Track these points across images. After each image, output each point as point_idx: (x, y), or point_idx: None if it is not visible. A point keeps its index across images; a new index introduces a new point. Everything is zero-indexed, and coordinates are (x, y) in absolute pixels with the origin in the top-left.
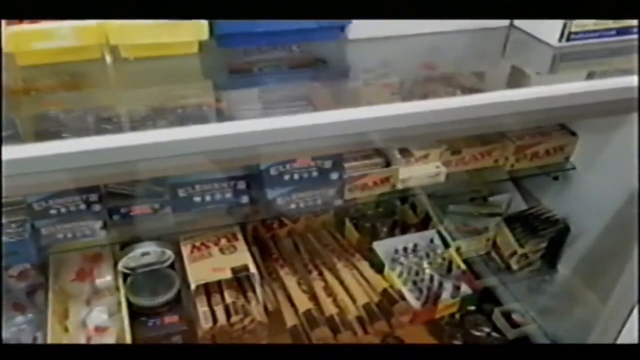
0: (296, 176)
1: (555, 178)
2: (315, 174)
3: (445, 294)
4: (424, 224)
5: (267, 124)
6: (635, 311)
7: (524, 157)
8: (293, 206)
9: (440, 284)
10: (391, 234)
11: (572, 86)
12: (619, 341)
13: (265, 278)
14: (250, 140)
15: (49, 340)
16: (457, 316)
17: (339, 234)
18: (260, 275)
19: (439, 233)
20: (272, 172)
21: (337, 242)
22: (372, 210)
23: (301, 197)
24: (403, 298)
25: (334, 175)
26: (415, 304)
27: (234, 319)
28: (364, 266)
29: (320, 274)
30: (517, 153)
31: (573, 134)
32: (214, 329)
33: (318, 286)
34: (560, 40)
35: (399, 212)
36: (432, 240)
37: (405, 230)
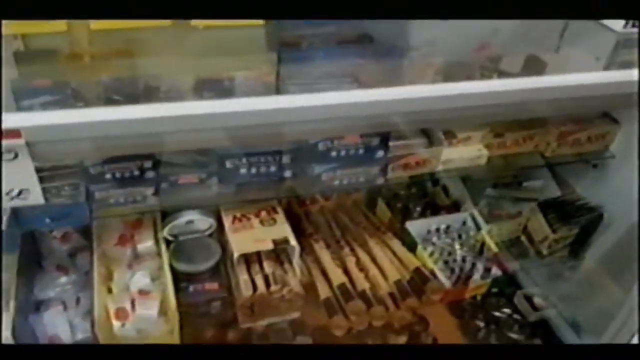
0: (343, 152)
1: (595, 166)
2: (361, 151)
3: (476, 275)
4: (455, 206)
5: (312, 99)
6: None
7: (566, 143)
8: (336, 182)
9: (473, 265)
10: (423, 214)
11: (618, 74)
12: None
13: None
14: (294, 116)
15: (95, 301)
16: (479, 297)
17: (371, 213)
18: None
19: (472, 216)
20: (321, 147)
21: (368, 221)
22: (404, 190)
23: (345, 173)
24: (435, 277)
25: (379, 154)
26: (446, 283)
27: (273, 288)
28: (396, 244)
29: (352, 250)
30: (560, 139)
31: (615, 121)
32: (254, 296)
33: (350, 262)
34: (625, 27)
35: (430, 193)
36: (464, 223)
37: (436, 211)
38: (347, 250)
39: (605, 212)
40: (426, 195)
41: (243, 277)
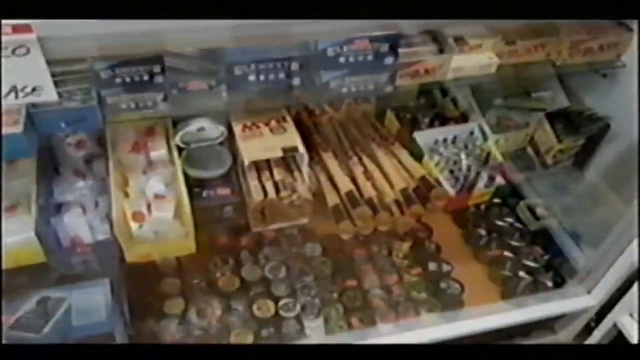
0: (351, 59)
1: (604, 75)
2: (370, 57)
3: (480, 184)
4: (464, 117)
5: None
6: None
7: (578, 52)
8: (345, 90)
9: (477, 174)
10: (431, 125)
11: None
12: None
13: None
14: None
15: (113, 204)
16: (483, 207)
17: (379, 124)
18: None
19: (480, 126)
20: (329, 52)
21: (376, 131)
22: (413, 101)
23: (354, 81)
24: (440, 185)
25: (389, 60)
26: (450, 191)
27: (282, 194)
28: (403, 154)
29: (360, 159)
30: (572, 47)
31: (629, 29)
32: (264, 201)
33: (357, 171)
34: None
35: (439, 104)
36: (472, 133)
37: (444, 123)
38: (355, 159)
39: (612, 123)
40: (435, 106)
41: (254, 183)
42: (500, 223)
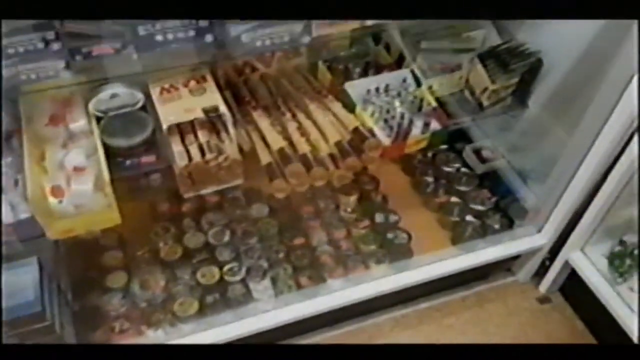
0: None
1: None
2: None
3: (415, 130)
4: (398, 64)
5: None
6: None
7: None
8: (259, 43)
9: (410, 121)
10: (365, 75)
11: None
12: (584, 164)
13: (239, 120)
14: None
15: (28, 180)
16: (430, 154)
17: (313, 77)
18: (234, 118)
19: (412, 72)
20: None
21: (310, 85)
22: (345, 51)
23: (266, 33)
24: (373, 135)
25: None
26: (385, 140)
27: (208, 156)
28: (337, 107)
29: (294, 115)
30: None
31: None
32: (190, 166)
33: (291, 127)
34: None
35: (372, 53)
36: (404, 80)
37: (379, 71)
38: (288, 115)
39: (545, 57)
40: (367, 54)
41: (177, 148)
42: (447, 169)
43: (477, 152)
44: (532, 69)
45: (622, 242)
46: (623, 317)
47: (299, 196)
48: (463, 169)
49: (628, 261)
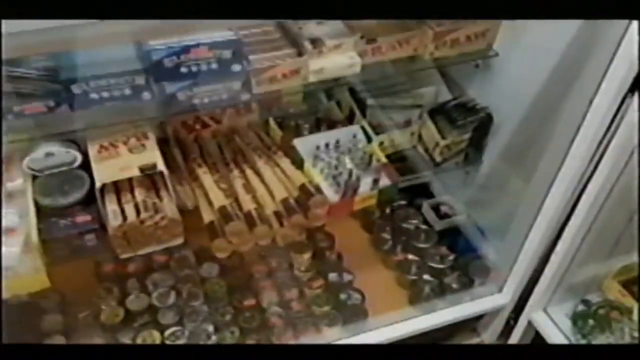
0: (194, 68)
1: (476, 66)
2: (214, 65)
3: (364, 187)
4: (350, 120)
5: None
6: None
7: (444, 44)
8: (197, 101)
9: (358, 178)
10: (317, 130)
11: None
12: (540, 216)
13: (185, 177)
14: None
15: None
16: (388, 210)
17: (264, 133)
18: (179, 175)
19: (362, 128)
20: (167, 63)
21: (261, 141)
22: (296, 107)
23: (204, 90)
24: (320, 192)
25: (236, 67)
26: (333, 197)
27: (143, 215)
28: (286, 163)
29: (242, 172)
30: (436, 40)
31: None
32: (124, 226)
33: (238, 184)
34: None
35: (324, 109)
36: (355, 136)
37: (331, 127)
38: (236, 172)
39: (495, 113)
40: (318, 110)
41: (112, 207)
42: (405, 225)
43: (436, 207)
44: (482, 125)
45: (585, 302)
46: None
47: (251, 254)
48: (422, 226)
49: (591, 322)
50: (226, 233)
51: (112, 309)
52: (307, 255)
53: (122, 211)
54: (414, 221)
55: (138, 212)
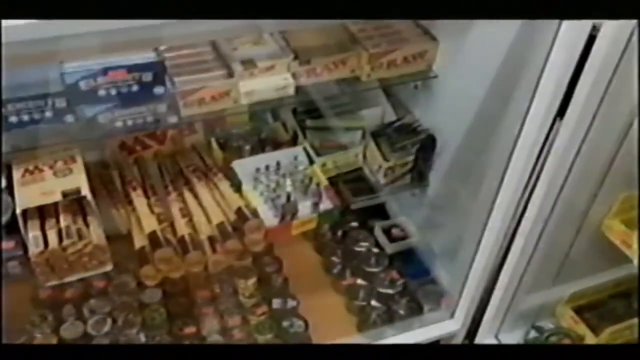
0: (113, 91)
1: (415, 87)
2: (135, 88)
3: (304, 211)
4: (295, 141)
5: None
6: None
7: (380, 66)
8: (119, 124)
9: (296, 201)
10: (261, 152)
11: None
12: (484, 237)
13: (122, 201)
14: None
15: None
16: (340, 233)
17: (207, 155)
18: (116, 199)
19: (305, 150)
20: (82, 86)
21: (203, 163)
22: (240, 128)
23: (126, 114)
24: (257, 215)
25: (159, 90)
26: (271, 221)
27: (65, 242)
28: (225, 186)
29: (181, 195)
30: (372, 62)
31: (433, 39)
32: (45, 253)
33: (175, 207)
34: None
35: (269, 129)
36: (296, 158)
37: (276, 148)
38: (174, 195)
39: (439, 133)
40: (261, 131)
41: (34, 232)
42: (356, 248)
43: (388, 230)
44: (425, 146)
45: (538, 329)
46: None
47: (196, 280)
48: (374, 249)
49: None
50: (154, 260)
51: (45, 337)
52: (251, 281)
53: (45, 237)
54: (366, 244)
55: (61, 239)
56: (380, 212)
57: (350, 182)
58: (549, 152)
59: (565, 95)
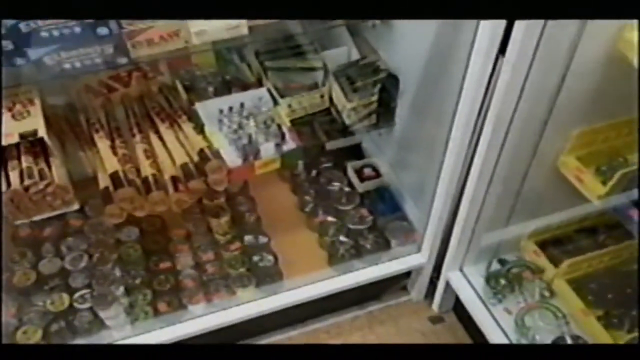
0: (55, 32)
1: (373, 25)
2: (77, 29)
3: (267, 152)
4: (261, 82)
5: None
6: None
7: None
8: (67, 66)
9: (257, 142)
10: (227, 93)
11: None
12: (443, 171)
13: (88, 143)
14: None
15: None
16: (314, 173)
17: (173, 98)
18: (82, 141)
19: (269, 91)
20: (23, 29)
21: (169, 105)
22: (205, 70)
23: (73, 55)
24: (219, 157)
25: (102, 30)
26: (235, 161)
27: (27, 182)
28: (189, 128)
29: (146, 137)
30: None
31: None
32: (8, 193)
33: (140, 149)
34: None
35: (234, 71)
36: (260, 99)
37: (244, 89)
38: (138, 137)
39: (400, 73)
40: (227, 73)
41: None
42: (329, 187)
43: (359, 170)
44: (388, 86)
45: (501, 261)
46: (496, 341)
47: (172, 218)
48: (346, 188)
49: (503, 281)
50: (115, 199)
51: (24, 272)
52: (224, 219)
53: (8, 178)
54: (338, 184)
55: (22, 179)
56: (356, 152)
57: (326, 123)
58: (494, 88)
59: (505, 32)
